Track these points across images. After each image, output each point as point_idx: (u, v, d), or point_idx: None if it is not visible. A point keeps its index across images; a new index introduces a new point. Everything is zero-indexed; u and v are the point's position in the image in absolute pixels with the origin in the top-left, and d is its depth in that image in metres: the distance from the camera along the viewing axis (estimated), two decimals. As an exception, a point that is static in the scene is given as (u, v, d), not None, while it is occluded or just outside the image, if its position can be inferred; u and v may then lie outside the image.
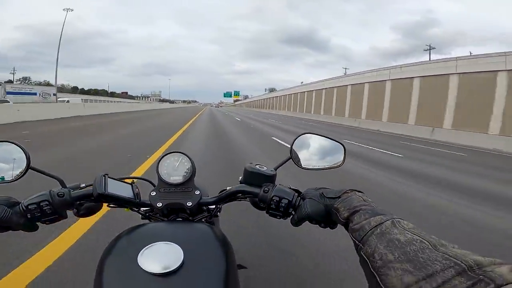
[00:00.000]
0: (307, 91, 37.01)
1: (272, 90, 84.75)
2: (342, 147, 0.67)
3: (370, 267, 0.35)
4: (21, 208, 0.53)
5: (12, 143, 0.56)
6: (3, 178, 0.56)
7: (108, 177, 0.59)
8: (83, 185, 0.61)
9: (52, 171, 0.57)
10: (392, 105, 19.74)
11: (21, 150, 0.56)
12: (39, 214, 0.53)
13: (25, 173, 0.56)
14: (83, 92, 78.44)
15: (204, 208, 0.69)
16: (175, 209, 0.64)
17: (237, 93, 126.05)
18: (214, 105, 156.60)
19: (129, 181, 0.67)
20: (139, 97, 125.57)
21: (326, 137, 0.68)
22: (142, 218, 0.69)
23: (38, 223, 0.56)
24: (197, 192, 0.64)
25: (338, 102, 27.09)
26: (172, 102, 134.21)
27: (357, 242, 0.40)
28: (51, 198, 0.54)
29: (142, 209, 0.67)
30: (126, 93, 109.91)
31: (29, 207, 0.53)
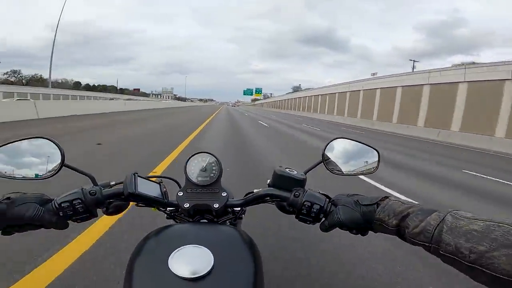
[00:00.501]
0: (351, 91, 27.48)
1: (297, 89, 77.29)
2: (377, 153, 0.66)
3: (465, 262, 0.36)
4: (53, 206, 0.53)
5: (47, 139, 0.56)
6: (37, 174, 0.56)
7: (138, 176, 0.59)
8: (113, 183, 0.62)
9: None
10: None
11: (56, 146, 0.56)
12: (71, 212, 0.53)
13: (59, 170, 0.56)
14: (88, 88, 73.00)
15: (229, 210, 0.68)
16: (201, 210, 0.64)
17: (259, 91, 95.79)
18: (230, 104, 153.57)
19: (156, 180, 0.67)
20: (153, 94, 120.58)
21: (359, 142, 0.67)
22: (167, 218, 0.70)
23: (69, 221, 0.56)
24: (224, 194, 0.63)
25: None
26: (183, 100, 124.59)
27: (427, 244, 0.40)
28: (83, 196, 0.54)
29: (168, 208, 0.67)
30: (138, 90, 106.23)
31: (62, 205, 0.53)
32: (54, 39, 25.66)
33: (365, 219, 0.51)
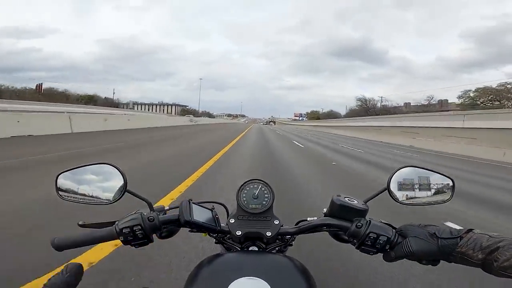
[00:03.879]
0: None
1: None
2: (451, 181, 0.63)
3: None
4: (115, 230, 0.54)
5: (111, 165, 0.59)
6: (102, 199, 0.58)
7: (192, 202, 0.60)
8: (167, 207, 0.63)
9: None
10: None
11: (119, 173, 0.58)
12: (131, 238, 0.54)
13: (122, 195, 0.58)
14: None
15: (279, 237, 0.67)
16: (252, 237, 0.63)
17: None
18: (263, 122, 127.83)
19: (209, 206, 0.67)
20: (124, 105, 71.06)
21: (430, 170, 0.63)
22: (215, 243, 0.70)
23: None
24: (276, 222, 0.63)
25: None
26: (193, 114, 74.47)
27: None
28: (143, 222, 0.55)
29: (218, 234, 0.68)
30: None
31: (123, 230, 0.53)
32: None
33: (443, 252, 0.49)
